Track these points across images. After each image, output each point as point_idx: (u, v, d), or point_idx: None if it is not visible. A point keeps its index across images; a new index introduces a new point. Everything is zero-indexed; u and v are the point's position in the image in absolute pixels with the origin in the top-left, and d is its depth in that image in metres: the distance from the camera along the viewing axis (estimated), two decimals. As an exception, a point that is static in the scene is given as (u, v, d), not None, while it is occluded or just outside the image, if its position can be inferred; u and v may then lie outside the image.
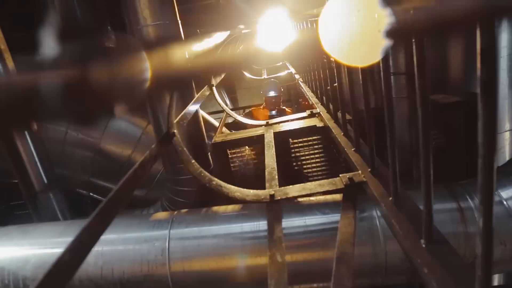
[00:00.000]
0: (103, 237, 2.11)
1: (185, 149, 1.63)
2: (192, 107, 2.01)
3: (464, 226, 1.99)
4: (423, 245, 1.11)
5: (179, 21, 2.89)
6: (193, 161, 1.66)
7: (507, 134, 3.35)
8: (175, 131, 1.57)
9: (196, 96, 2.33)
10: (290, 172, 2.91)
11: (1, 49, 2.32)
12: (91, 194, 3.72)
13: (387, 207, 1.35)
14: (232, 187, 1.69)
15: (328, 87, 2.72)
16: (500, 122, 3.26)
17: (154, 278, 1.96)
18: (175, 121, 1.62)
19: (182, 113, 1.81)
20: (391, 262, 1.94)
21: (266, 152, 2.22)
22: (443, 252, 1.07)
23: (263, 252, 1.98)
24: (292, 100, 7.54)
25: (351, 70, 1.99)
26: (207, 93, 2.71)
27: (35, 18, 4.95)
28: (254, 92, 8.97)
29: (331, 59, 2.52)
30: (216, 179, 1.67)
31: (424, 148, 1.02)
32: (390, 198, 1.39)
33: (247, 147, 2.93)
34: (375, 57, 1.60)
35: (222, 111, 3.70)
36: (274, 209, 1.52)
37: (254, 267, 1.98)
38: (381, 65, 1.38)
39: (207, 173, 1.67)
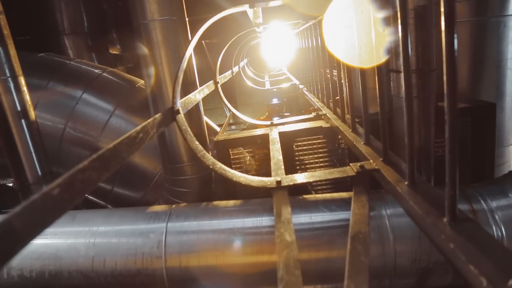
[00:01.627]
0: (95, 229, 2.01)
1: (189, 128, 1.55)
2: (196, 94, 1.94)
3: (478, 228, 1.89)
4: (446, 223, 1.02)
5: (187, 19, 2.86)
6: (197, 142, 1.58)
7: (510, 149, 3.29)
8: (179, 109, 1.49)
9: (201, 87, 2.26)
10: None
11: (4, 34, 2.27)
12: (86, 195, 3.60)
13: (403, 190, 1.26)
14: (237, 172, 1.60)
15: (337, 98, 2.68)
16: (507, 135, 3.20)
17: (148, 271, 1.84)
18: (180, 100, 1.55)
19: (187, 97, 1.74)
20: (400, 263, 1.83)
21: (271, 147, 2.14)
22: (469, 229, 0.97)
23: (266, 249, 1.87)
24: (294, 114, 7.49)
25: (363, 71, 1.96)
26: (212, 87, 2.65)
27: (41, 21, 4.95)
28: (256, 108, 8.94)
29: (340, 63, 2.48)
30: (219, 163, 1.59)
31: (450, 112, 0.95)
32: (406, 183, 1.31)
33: (249, 155, 2.85)
34: (387, 56, 1.56)
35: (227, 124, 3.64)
36: (281, 194, 1.43)
37: (256, 264, 1.87)
38: (402, 61, 1.33)
39: (210, 156, 1.58)
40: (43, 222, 0.61)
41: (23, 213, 0.57)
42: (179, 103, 1.53)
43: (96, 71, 3.69)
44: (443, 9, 0.93)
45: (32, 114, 2.48)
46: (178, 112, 1.48)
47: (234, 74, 4.58)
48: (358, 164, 1.55)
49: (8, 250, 0.52)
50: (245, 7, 1.96)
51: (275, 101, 4.71)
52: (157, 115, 1.22)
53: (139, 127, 1.06)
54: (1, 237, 0.52)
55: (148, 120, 1.15)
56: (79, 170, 0.73)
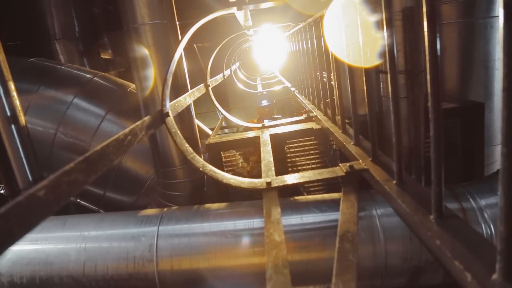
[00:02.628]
0: (86, 233, 2.00)
1: (178, 131, 1.55)
2: (186, 97, 1.94)
3: (467, 226, 1.91)
4: (433, 220, 1.03)
5: (177, 22, 2.86)
6: (186, 145, 1.58)
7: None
8: (169, 111, 1.50)
9: (191, 90, 2.26)
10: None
11: (-8, 39, 2.26)
12: (78, 200, 3.57)
13: (392, 189, 1.27)
14: (227, 174, 1.60)
15: (328, 100, 2.70)
16: (496, 134, 3.24)
17: (140, 275, 1.84)
18: (169, 103, 1.55)
19: (177, 100, 1.74)
20: (391, 262, 1.84)
21: (262, 149, 2.15)
22: (455, 226, 0.99)
23: (258, 251, 1.87)
24: (286, 116, 7.52)
25: (352, 72, 1.98)
26: (203, 90, 2.65)
27: (32, 26, 4.93)
28: (249, 111, 8.94)
29: (331, 65, 2.50)
30: (209, 165, 1.59)
31: (434, 111, 0.97)
32: (394, 182, 1.32)
33: (241, 158, 2.86)
34: (378, 58, 1.58)
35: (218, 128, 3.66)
36: (270, 195, 1.43)
37: (247, 266, 1.87)
38: (388, 62, 1.35)
39: (200, 158, 1.58)
40: (28, 224, 0.61)
41: (8, 214, 0.57)
42: (169, 106, 1.53)
43: (87, 75, 3.68)
44: (425, 9, 0.95)
45: (23, 119, 2.47)
46: (167, 114, 1.48)
47: (225, 77, 4.59)
48: (348, 164, 1.56)
49: (-9, 251, 0.52)
50: (233, 10, 1.97)
51: (264, 103, 4.72)
52: (146, 118, 1.23)
53: (127, 130, 1.07)
54: (-16, 238, 0.52)
55: (137, 123, 1.15)
56: (65, 172, 0.73)
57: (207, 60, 3.86)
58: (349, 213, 1.22)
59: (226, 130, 7.86)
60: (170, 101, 1.73)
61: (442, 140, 0.96)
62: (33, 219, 0.62)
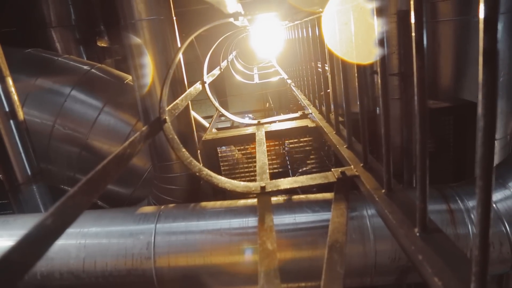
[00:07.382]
0: (86, 230, 2.06)
1: (175, 136, 1.60)
2: (183, 99, 1.98)
3: (454, 227, 1.98)
4: (417, 234, 1.09)
5: (174, 18, 2.87)
6: (183, 149, 1.63)
7: (495, 143, 3.38)
8: (166, 117, 1.54)
9: (188, 90, 2.29)
10: (280, 174, 2.89)
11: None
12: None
13: (380, 199, 1.33)
14: (222, 178, 1.65)
15: (322, 93, 2.73)
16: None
17: (138, 272, 1.90)
18: (167, 109, 1.59)
19: (174, 103, 1.78)
20: (380, 261, 1.92)
21: (257, 148, 2.20)
22: (438, 240, 1.05)
23: (251, 249, 1.94)
24: (283, 107, 7.57)
25: (346, 72, 2.00)
26: (199, 88, 2.68)
27: (28, 14, 4.88)
28: (246, 99, 8.97)
29: (326, 64, 2.53)
30: (206, 169, 1.64)
31: (421, 129, 1.01)
32: (383, 191, 1.37)
33: (236, 149, 2.90)
34: (373, 57, 1.61)
35: (213, 116, 3.69)
36: (264, 200, 1.49)
37: (241, 263, 1.94)
38: (379, 65, 1.38)
39: (197, 163, 1.63)
40: (38, 253, 0.66)
41: (20, 247, 0.62)
42: (166, 112, 1.57)
43: (84, 67, 3.69)
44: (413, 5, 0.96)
45: (21, 114, 2.50)
46: (165, 121, 1.52)
47: (222, 70, 4.60)
48: (339, 170, 1.61)
49: (7, 285, 0.57)
50: (231, 19, 1.98)
51: None
52: (144, 128, 1.27)
53: (126, 143, 1.11)
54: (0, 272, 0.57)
55: (135, 135, 1.19)
56: (69, 196, 0.78)
57: (203, 47, 3.85)
58: (339, 222, 1.28)
59: (222, 118, 7.88)
60: (167, 98, 1.76)
61: (426, 163, 1.01)
62: (42, 247, 0.67)
